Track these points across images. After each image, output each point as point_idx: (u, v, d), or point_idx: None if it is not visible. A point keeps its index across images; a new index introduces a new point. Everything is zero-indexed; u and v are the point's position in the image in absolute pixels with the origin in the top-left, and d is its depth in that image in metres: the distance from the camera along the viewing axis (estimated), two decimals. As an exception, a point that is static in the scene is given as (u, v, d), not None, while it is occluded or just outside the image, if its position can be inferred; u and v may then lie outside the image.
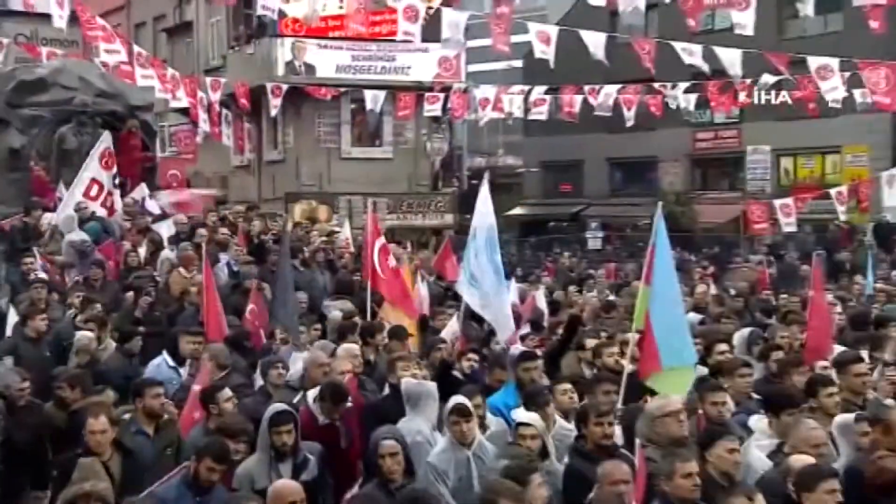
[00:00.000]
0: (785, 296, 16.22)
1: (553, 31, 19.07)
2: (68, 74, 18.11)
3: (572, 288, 17.34)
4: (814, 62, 20.39)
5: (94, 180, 15.63)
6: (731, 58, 19.74)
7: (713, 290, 16.20)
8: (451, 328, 10.74)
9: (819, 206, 24.97)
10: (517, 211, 49.26)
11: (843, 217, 22.74)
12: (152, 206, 16.71)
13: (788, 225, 22.22)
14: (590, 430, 6.83)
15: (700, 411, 7.36)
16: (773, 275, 20.80)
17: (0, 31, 33.15)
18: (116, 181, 15.80)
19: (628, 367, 8.10)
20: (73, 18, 19.97)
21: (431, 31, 28.96)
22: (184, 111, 31.69)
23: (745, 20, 16.78)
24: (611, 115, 26.72)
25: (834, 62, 20.15)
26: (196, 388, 8.31)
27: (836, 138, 35.57)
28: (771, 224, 24.96)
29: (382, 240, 12.27)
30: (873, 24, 16.07)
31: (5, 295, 13.37)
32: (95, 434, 7.09)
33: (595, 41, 19.27)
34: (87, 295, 12.01)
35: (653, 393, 7.69)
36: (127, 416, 7.95)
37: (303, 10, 30.43)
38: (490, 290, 10.09)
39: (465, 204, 42.45)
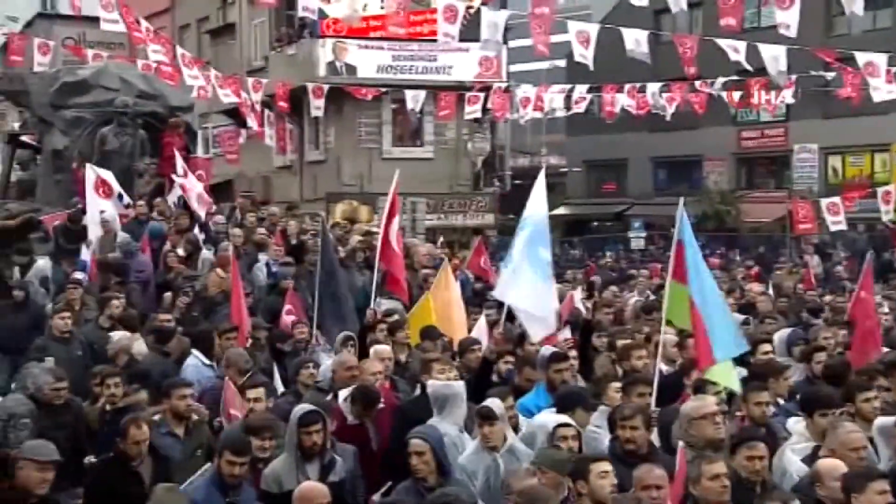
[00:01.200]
0: (830, 296, 15.96)
1: (593, 29, 18.79)
2: (110, 76, 18.21)
3: (613, 288, 17.13)
4: (861, 58, 20.04)
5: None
6: (775, 54, 19.38)
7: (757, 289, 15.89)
8: (480, 329, 10.63)
9: (868, 206, 24.49)
10: (560, 211, 48.90)
11: (885, 217, 22.27)
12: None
13: (835, 224, 21.77)
14: (618, 433, 6.74)
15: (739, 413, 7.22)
16: (819, 275, 20.48)
17: (49, 34, 33.60)
18: (124, 201, 15.72)
19: (661, 367, 7.95)
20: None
21: (472, 31, 29.00)
22: (227, 113, 32.11)
23: (788, 19, 16.41)
24: (654, 114, 26.55)
25: (881, 58, 19.77)
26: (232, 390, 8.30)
27: (885, 136, 34.97)
28: (818, 224, 24.66)
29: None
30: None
31: (49, 295, 13.55)
32: (139, 444, 7.10)
33: (635, 38, 18.93)
34: (107, 294, 12.02)
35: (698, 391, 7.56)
36: (157, 416, 7.94)
37: (344, 10, 30.43)
38: (527, 285, 9.90)
39: (508, 204, 42.50)
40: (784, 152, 40.00)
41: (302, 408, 6.93)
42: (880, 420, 6.76)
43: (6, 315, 12.96)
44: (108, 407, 8.47)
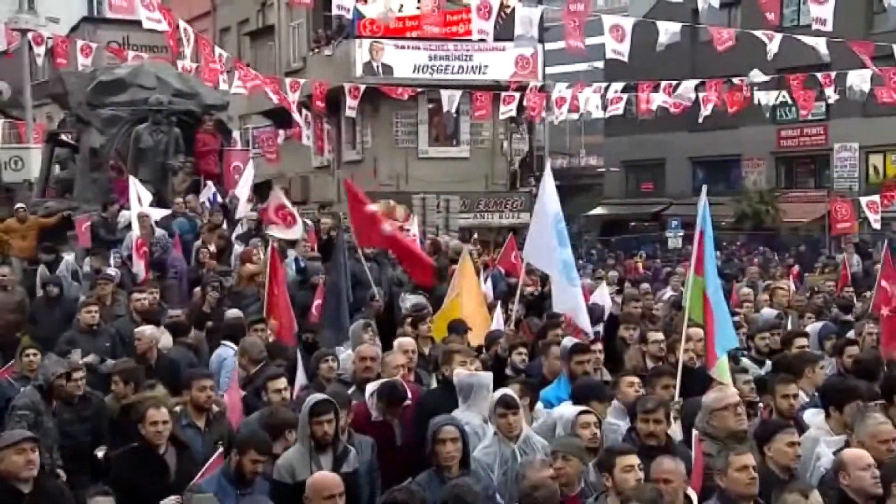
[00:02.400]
0: (869, 293, 15.57)
1: (628, 23, 18.54)
2: (146, 75, 18.21)
3: (645, 285, 16.87)
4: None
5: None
6: (815, 45, 18.98)
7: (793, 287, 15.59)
8: (498, 322, 10.47)
9: None
10: (598, 211, 48.87)
11: None
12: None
13: (876, 222, 21.60)
14: (637, 427, 6.57)
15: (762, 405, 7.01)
16: (858, 273, 20.06)
17: (94, 37, 33.96)
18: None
19: (683, 359, 7.76)
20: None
21: (508, 31, 28.84)
22: (266, 114, 32.24)
23: (824, 14, 16.09)
24: (692, 114, 26.20)
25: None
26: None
27: (927, 133, 34.39)
28: (858, 223, 24.26)
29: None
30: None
31: (85, 289, 13.59)
32: (157, 424, 7.00)
33: (670, 30, 18.65)
34: (134, 289, 12.07)
35: None
36: (178, 408, 7.85)
37: (379, 10, 30.39)
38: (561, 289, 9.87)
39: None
40: (824, 151, 39.54)
41: (313, 398, 6.79)
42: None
43: (41, 310, 13.11)
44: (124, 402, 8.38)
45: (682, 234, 35.94)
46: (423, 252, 12.09)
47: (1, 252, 15.81)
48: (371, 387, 7.72)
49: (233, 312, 10.98)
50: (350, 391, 7.91)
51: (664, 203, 44.47)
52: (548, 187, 10.24)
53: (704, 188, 7.99)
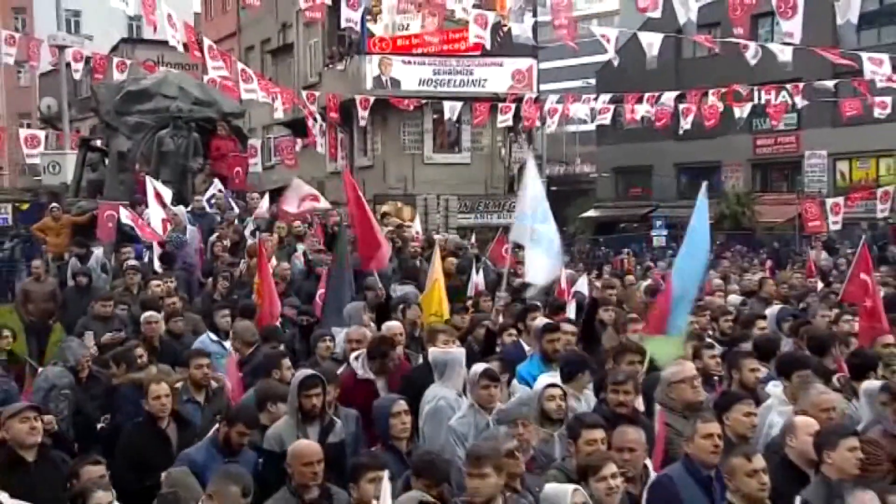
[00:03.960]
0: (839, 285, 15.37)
1: (612, 32, 18.44)
2: (169, 85, 18.15)
3: (629, 277, 16.70)
4: (867, 61, 19.45)
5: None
6: (784, 55, 18.75)
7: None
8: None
9: (873, 206, 24.15)
10: (591, 213, 48.69)
11: (881, 215, 21.91)
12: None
13: (836, 223, 21.75)
14: (607, 398, 6.37)
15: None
16: (826, 267, 19.86)
17: (131, 56, 33.98)
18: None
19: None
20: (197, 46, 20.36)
21: (505, 48, 28.76)
22: (286, 124, 32.15)
23: (792, 28, 15.86)
24: (677, 124, 26.02)
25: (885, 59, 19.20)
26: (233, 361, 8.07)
27: (890, 142, 34.09)
28: (825, 223, 24.08)
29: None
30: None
31: (107, 281, 13.50)
32: (160, 398, 6.89)
33: (653, 43, 18.49)
34: (149, 278, 11.99)
35: None
36: (179, 384, 7.70)
37: (385, 29, 30.38)
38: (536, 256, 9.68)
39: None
40: (796, 158, 39.37)
41: (302, 373, 6.64)
42: (866, 384, 6.31)
43: (72, 298, 13.03)
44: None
45: (665, 233, 35.75)
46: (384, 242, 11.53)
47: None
48: (355, 353, 7.70)
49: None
50: (341, 369, 7.76)
51: (651, 206, 44.32)
52: (529, 178, 10.06)
53: (704, 186, 7.85)
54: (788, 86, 23.25)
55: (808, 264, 17.06)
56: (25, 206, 25.16)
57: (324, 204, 14.66)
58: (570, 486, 4.73)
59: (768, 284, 13.15)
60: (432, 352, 7.30)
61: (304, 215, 14.99)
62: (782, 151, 40.50)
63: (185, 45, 19.81)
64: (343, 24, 16.71)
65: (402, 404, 6.19)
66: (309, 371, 6.69)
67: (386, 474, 4.24)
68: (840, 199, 22.92)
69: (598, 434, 5.53)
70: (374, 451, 6.05)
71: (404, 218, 25.37)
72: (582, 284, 11.86)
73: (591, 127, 39.40)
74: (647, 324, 7.57)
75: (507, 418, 5.92)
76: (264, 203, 16.30)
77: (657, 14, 16.43)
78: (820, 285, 14.90)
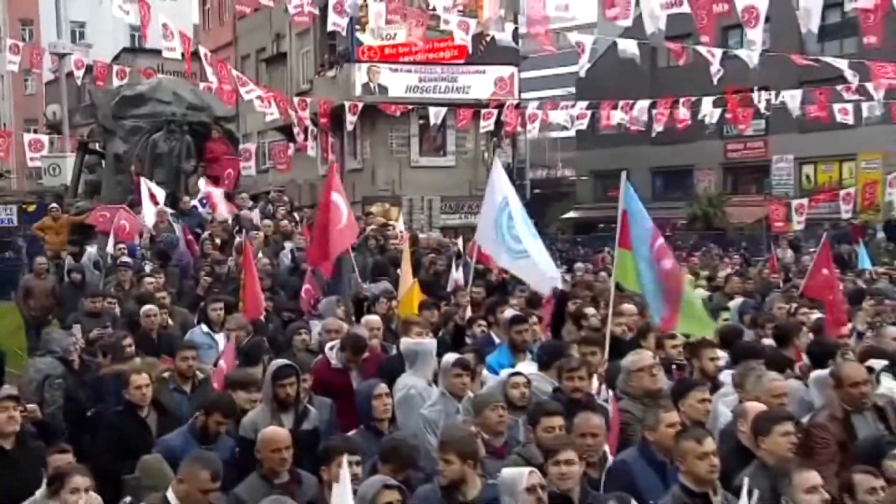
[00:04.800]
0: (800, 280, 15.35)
1: (589, 39, 18.38)
2: (164, 90, 18.02)
3: (603, 274, 16.63)
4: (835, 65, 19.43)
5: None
6: (752, 62, 18.64)
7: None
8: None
9: (837, 207, 24.18)
10: (571, 214, 48.73)
11: (845, 215, 21.99)
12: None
13: (800, 223, 21.83)
14: (563, 384, 6.31)
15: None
16: (789, 265, 19.85)
17: (133, 64, 33.74)
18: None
19: (616, 331, 7.50)
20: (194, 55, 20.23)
21: (488, 56, 28.70)
22: (280, 129, 31.96)
23: (755, 36, 15.78)
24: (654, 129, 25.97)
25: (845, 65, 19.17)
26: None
27: (852, 147, 34.22)
28: (791, 223, 24.12)
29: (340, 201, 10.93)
30: (871, 39, 14.74)
31: (100, 278, 13.36)
32: (141, 388, 6.80)
33: (627, 49, 18.40)
34: (142, 274, 11.90)
35: None
36: (166, 374, 7.60)
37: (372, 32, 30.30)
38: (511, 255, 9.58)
39: (528, 209, 42.20)
40: (764, 162, 39.46)
41: (277, 363, 6.53)
42: (816, 372, 6.24)
43: (67, 294, 12.89)
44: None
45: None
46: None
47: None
48: (330, 343, 7.61)
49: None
50: (316, 360, 7.67)
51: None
52: (495, 180, 9.97)
53: (624, 174, 7.65)
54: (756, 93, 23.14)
55: (772, 262, 17.05)
56: (32, 208, 25.02)
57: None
58: (526, 469, 4.64)
59: (732, 280, 13.06)
60: (404, 342, 7.21)
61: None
62: (751, 156, 40.48)
63: (181, 54, 19.75)
64: (330, 28, 16.49)
65: (383, 387, 6.12)
66: (283, 361, 6.59)
67: (345, 458, 4.14)
68: (804, 201, 22.98)
69: (557, 421, 5.45)
70: (345, 435, 5.94)
71: (391, 218, 25.31)
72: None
73: (572, 133, 39.41)
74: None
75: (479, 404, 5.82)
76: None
77: (628, 23, 16.37)
78: (783, 281, 14.89)
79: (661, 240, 7.61)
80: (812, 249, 25.47)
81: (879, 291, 11.70)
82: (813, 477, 4.43)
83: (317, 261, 10.97)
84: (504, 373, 6.46)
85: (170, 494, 4.64)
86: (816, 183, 37.90)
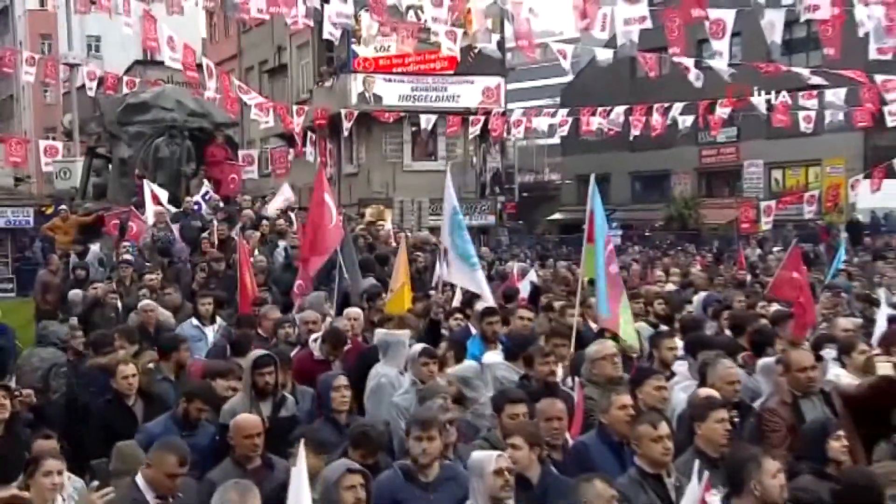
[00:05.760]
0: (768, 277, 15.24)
1: (568, 48, 18.31)
2: (166, 98, 17.88)
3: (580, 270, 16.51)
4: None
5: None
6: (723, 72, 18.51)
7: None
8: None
9: (803, 209, 24.16)
10: (557, 216, 48.65)
11: (808, 216, 22.00)
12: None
13: (768, 223, 21.76)
14: (536, 370, 6.22)
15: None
16: (755, 262, 19.78)
17: (144, 75, 33.62)
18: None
19: (577, 319, 7.39)
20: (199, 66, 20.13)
21: (476, 67, 28.60)
22: (281, 136, 31.84)
23: (722, 47, 15.65)
24: (634, 135, 25.87)
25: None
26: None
27: (817, 153, 34.17)
28: (759, 224, 24.12)
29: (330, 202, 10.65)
30: (830, 51, 14.60)
31: (104, 274, 13.23)
32: (127, 378, 6.67)
33: (606, 57, 18.36)
34: (145, 270, 11.73)
35: None
36: (151, 365, 7.45)
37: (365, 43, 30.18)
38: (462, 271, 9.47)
39: (517, 211, 42.36)
40: (736, 167, 39.34)
41: (256, 353, 6.39)
42: (763, 360, 6.13)
43: (71, 289, 12.71)
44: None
45: (620, 233, 35.66)
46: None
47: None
48: (314, 336, 7.49)
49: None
50: (295, 350, 7.54)
51: (609, 209, 43.47)
52: (448, 191, 9.88)
53: (593, 177, 7.59)
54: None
55: (740, 259, 17.00)
56: (49, 210, 24.89)
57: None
58: (495, 453, 4.54)
59: (698, 276, 12.98)
60: (377, 333, 7.12)
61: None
62: (724, 161, 40.42)
63: (184, 65, 19.63)
64: (325, 37, 16.35)
65: (342, 379, 5.97)
66: (262, 351, 6.45)
67: (302, 443, 4.00)
68: (772, 203, 22.88)
69: (521, 409, 5.36)
70: (313, 426, 5.81)
71: (385, 219, 25.23)
72: (532, 276, 11.68)
73: (557, 140, 39.34)
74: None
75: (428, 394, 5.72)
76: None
77: (604, 35, 16.25)
78: (749, 277, 14.79)
79: (611, 245, 7.56)
80: (777, 248, 25.57)
81: (836, 286, 11.56)
82: (776, 463, 4.31)
83: (308, 256, 10.60)
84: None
85: (139, 479, 4.51)
86: (785, 186, 37.84)
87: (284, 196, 15.25)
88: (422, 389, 6.05)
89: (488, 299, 8.92)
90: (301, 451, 3.73)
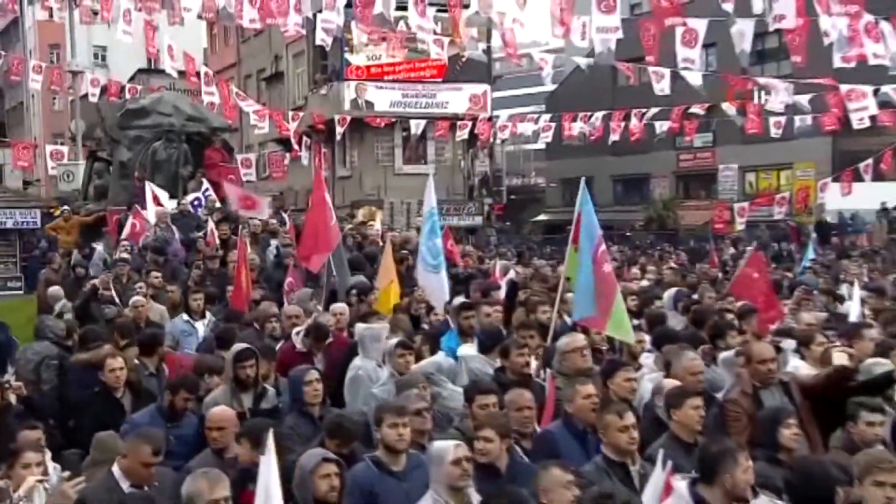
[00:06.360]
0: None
1: (549, 57, 18.26)
2: (165, 103, 17.74)
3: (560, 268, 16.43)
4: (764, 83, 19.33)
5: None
6: (695, 80, 18.41)
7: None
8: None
9: (779, 211, 24.25)
10: (542, 217, 48.64)
11: (777, 216, 22.14)
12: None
13: (741, 224, 21.84)
14: (512, 361, 6.12)
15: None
16: (727, 261, 19.74)
17: (147, 83, 33.40)
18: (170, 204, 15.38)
19: (554, 316, 7.27)
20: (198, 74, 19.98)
21: (464, 75, 28.52)
22: (278, 140, 31.70)
23: (694, 55, 15.54)
24: (614, 141, 25.79)
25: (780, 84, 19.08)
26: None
27: (789, 157, 34.17)
28: (732, 225, 24.22)
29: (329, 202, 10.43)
30: (797, 59, 14.53)
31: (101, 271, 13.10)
32: (115, 371, 6.55)
33: (585, 64, 18.31)
34: (149, 268, 11.55)
35: None
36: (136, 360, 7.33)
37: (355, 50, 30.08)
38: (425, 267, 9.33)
39: (505, 212, 42.21)
40: (712, 170, 39.40)
41: (238, 346, 6.29)
42: (724, 353, 6.06)
43: (71, 287, 12.58)
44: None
45: (600, 233, 35.52)
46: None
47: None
48: (297, 329, 7.40)
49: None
50: (280, 344, 7.44)
51: (591, 211, 44.15)
52: (429, 193, 9.77)
53: (583, 181, 7.50)
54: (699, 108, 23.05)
55: (712, 258, 16.97)
56: (57, 212, 24.78)
57: (260, 213, 14.18)
58: (453, 442, 4.46)
59: (669, 274, 12.94)
60: (356, 327, 6.99)
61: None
62: (701, 165, 40.45)
63: (181, 73, 19.54)
64: (317, 43, 16.23)
65: (314, 373, 5.86)
66: (243, 345, 6.35)
67: (271, 433, 3.89)
68: (745, 204, 23.02)
69: (491, 399, 5.28)
70: (254, 420, 5.70)
71: (376, 220, 25.12)
72: (512, 273, 11.58)
73: (542, 145, 39.27)
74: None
75: (406, 384, 5.63)
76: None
77: (585, 44, 16.14)
78: (721, 275, 14.74)
79: (603, 246, 7.42)
80: (750, 248, 25.59)
81: (803, 282, 11.53)
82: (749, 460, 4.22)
83: (308, 254, 10.32)
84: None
85: (115, 468, 4.41)
86: (758, 189, 37.86)
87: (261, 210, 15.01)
88: (400, 380, 5.96)
89: (437, 301, 8.83)
90: (270, 440, 3.64)
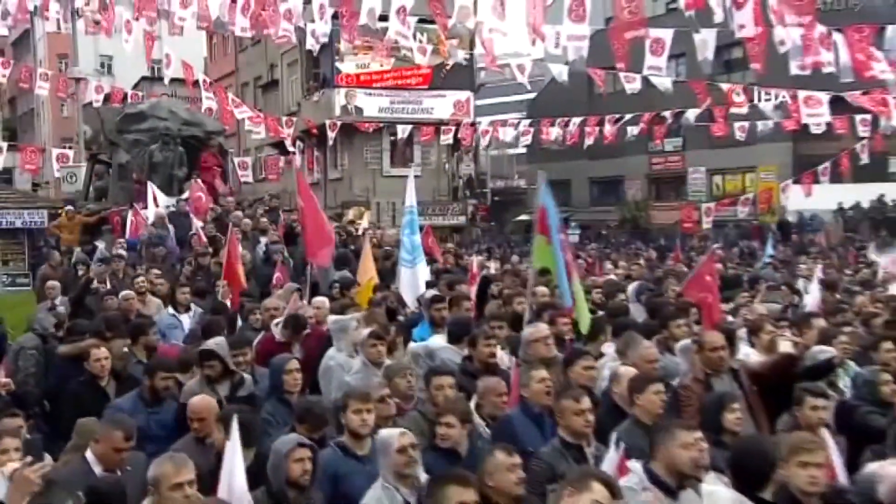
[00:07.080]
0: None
1: (528, 62, 18.17)
2: (162, 108, 17.61)
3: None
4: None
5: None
6: (665, 85, 18.31)
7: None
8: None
9: (742, 211, 24.36)
10: (523, 217, 48.49)
11: (741, 215, 22.23)
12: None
13: (708, 223, 21.86)
14: (479, 351, 6.05)
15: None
16: (692, 256, 19.73)
17: (150, 91, 33.13)
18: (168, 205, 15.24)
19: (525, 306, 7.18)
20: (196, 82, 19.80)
21: (449, 82, 28.41)
22: (273, 144, 31.52)
23: (659, 63, 15.42)
24: (591, 145, 25.69)
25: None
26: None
27: (753, 160, 34.33)
28: (699, 224, 24.30)
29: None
30: (757, 66, 14.43)
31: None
32: (100, 361, 6.44)
33: (562, 72, 18.20)
34: (149, 265, 11.40)
35: None
36: (125, 349, 7.20)
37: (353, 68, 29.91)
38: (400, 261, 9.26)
39: (489, 213, 42.13)
40: (682, 173, 39.43)
41: (214, 340, 6.16)
42: (682, 342, 5.99)
43: (71, 283, 12.42)
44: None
45: (578, 232, 35.66)
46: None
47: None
48: (276, 321, 7.28)
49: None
50: (259, 337, 7.33)
51: (570, 211, 43.97)
52: (409, 191, 9.66)
53: (541, 174, 7.36)
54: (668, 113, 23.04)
55: (676, 254, 16.99)
56: (62, 212, 24.57)
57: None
58: (398, 430, 4.39)
59: (636, 270, 12.92)
60: (329, 319, 6.88)
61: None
62: (671, 168, 40.47)
63: (181, 80, 19.35)
64: (308, 47, 16.09)
65: (294, 363, 5.75)
66: (211, 344, 6.20)
67: (235, 418, 3.79)
68: (712, 205, 23.03)
69: (447, 380, 5.25)
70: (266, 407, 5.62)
71: (363, 219, 25.01)
72: (487, 268, 11.50)
73: (524, 150, 39.21)
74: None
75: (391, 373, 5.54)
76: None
77: (559, 52, 16.02)
78: (686, 270, 14.70)
79: (562, 235, 7.33)
80: (716, 245, 25.66)
81: (763, 276, 11.54)
82: (693, 436, 4.14)
83: (315, 251, 10.04)
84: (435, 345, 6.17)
85: (88, 453, 4.29)
86: (725, 190, 37.90)
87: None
88: (388, 367, 5.84)
89: (407, 294, 8.74)
90: (234, 426, 3.55)
